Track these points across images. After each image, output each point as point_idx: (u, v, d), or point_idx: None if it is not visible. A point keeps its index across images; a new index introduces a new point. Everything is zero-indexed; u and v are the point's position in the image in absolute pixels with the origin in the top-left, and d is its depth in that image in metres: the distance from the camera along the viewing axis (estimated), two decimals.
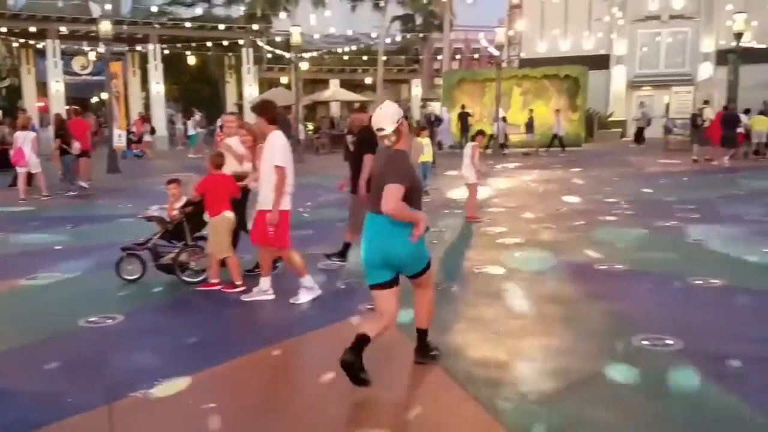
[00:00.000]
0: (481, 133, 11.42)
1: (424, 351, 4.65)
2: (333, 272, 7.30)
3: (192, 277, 6.97)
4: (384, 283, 4.26)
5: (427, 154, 13.66)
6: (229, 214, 6.69)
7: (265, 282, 6.38)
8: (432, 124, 24.46)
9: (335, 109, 37.91)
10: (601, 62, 33.82)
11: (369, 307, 5.87)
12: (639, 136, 28.86)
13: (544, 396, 4.10)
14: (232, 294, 6.47)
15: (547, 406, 3.97)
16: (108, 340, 5.33)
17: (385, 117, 4.22)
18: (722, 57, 30.50)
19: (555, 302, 6.03)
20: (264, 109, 6.14)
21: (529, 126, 25.45)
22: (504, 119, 24.97)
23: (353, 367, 4.09)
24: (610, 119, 32.86)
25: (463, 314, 5.72)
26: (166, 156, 26.04)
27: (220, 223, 6.61)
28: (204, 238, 6.95)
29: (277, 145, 6.02)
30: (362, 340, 4.15)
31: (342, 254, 7.75)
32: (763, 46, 29.46)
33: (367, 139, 7.59)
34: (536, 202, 12.34)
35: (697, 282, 6.60)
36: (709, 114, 22.41)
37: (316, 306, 6.13)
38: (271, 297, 6.31)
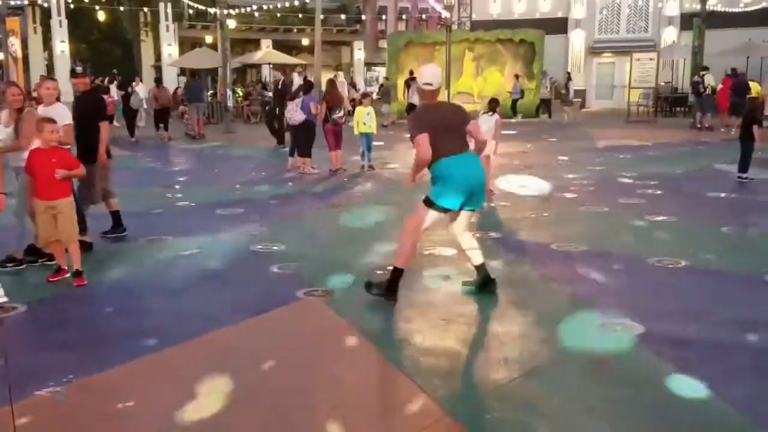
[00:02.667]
0: (496, 101, 11.08)
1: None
2: (265, 255, 7.25)
3: None
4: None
5: (368, 125, 13.62)
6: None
7: None
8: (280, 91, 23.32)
9: (267, 73, 37.39)
10: (558, 26, 34.32)
11: (306, 291, 5.88)
12: (547, 109, 28.57)
13: (496, 386, 4.18)
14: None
15: (500, 396, 4.06)
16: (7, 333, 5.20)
17: (435, 74, 5.54)
18: (687, 21, 31.30)
19: (509, 285, 6.13)
20: None
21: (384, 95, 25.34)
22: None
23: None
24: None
25: (409, 300, 5.76)
26: None
27: (67, 206, 6.22)
28: None
29: None
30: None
31: (117, 225, 7.92)
32: (729, 9, 30.38)
33: (94, 105, 7.66)
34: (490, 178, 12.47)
35: (659, 264, 6.81)
36: (711, 81, 23.64)
37: (249, 292, 6.09)
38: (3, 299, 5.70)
